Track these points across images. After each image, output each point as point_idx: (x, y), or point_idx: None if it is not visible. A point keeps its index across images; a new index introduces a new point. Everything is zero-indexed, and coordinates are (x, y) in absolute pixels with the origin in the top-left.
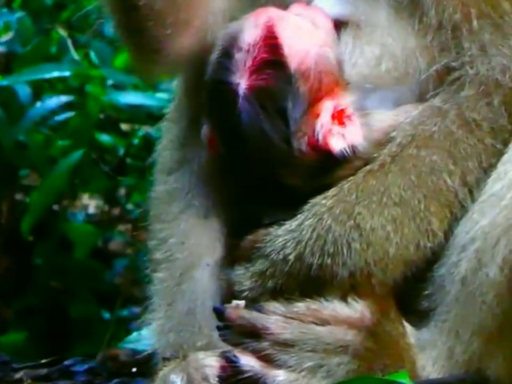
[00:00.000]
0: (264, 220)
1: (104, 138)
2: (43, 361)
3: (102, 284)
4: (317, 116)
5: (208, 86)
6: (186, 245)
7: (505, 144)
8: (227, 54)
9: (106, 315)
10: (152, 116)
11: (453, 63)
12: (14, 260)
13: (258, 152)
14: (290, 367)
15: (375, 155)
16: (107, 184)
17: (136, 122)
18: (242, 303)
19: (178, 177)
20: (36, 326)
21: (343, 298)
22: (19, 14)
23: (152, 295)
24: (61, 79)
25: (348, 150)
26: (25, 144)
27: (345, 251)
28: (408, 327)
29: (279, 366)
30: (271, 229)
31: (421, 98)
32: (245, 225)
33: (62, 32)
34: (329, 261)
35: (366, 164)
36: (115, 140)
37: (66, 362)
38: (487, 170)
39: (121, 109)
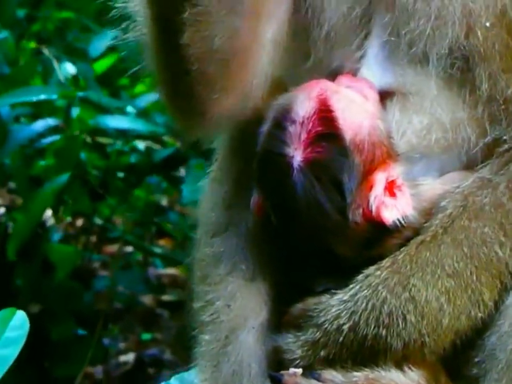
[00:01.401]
0: (314, 288)
1: (89, 158)
2: None
3: (82, 305)
4: (371, 188)
5: (260, 156)
6: (232, 307)
7: None
8: (280, 125)
9: (86, 335)
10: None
11: (504, 136)
12: None
13: (312, 223)
14: None
15: (425, 224)
16: (89, 206)
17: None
18: (299, 371)
19: (224, 240)
20: None
21: (396, 367)
22: (3, 34)
23: (198, 357)
24: (47, 102)
25: (400, 221)
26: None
27: (400, 322)
28: None
29: None
30: (322, 298)
31: (467, 166)
32: (293, 291)
33: (45, 50)
34: (384, 332)
35: (415, 233)
36: (99, 161)
37: None
38: None
39: (108, 133)
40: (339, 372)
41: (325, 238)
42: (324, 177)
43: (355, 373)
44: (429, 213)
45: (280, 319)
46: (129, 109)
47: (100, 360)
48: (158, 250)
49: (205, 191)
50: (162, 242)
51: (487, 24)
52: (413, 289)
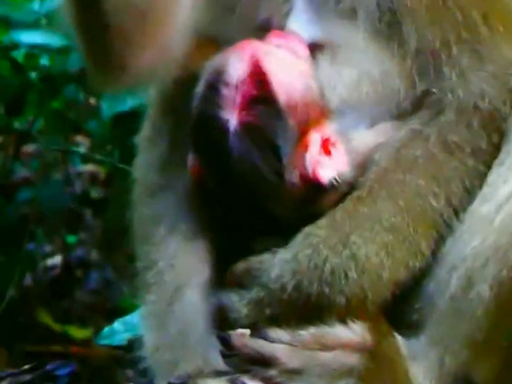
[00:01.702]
0: (255, 247)
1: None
2: (26, 367)
3: (5, 219)
4: (306, 148)
5: (195, 119)
6: (175, 267)
7: (487, 166)
8: (214, 88)
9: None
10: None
11: (433, 88)
12: None
13: (248, 185)
14: None
15: (359, 178)
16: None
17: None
18: (247, 331)
19: (163, 200)
20: None
21: (340, 322)
22: None
23: (144, 316)
24: None
25: (336, 179)
26: None
27: (342, 280)
28: (399, 339)
29: None
30: (264, 257)
31: (397, 117)
32: (234, 249)
33: None
34: (327, 289)
35: (350, 188)
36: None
37: (48, 367)
38: (470, 190)
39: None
40: (285, 330)
41: (261, 199)
42: (259, 140)
43: (301, 332)
44: (362, 166)
45: (223, 277)
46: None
47: (29, 269)
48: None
49: (139, 149)
50: (79, 138)
51: None
52: (353, 246)
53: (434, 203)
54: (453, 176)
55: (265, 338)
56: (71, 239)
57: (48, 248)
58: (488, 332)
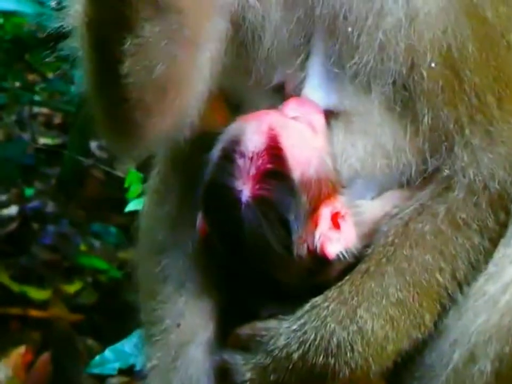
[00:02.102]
0: (260, 312)
1: None
2: None
3: None
4: (316, 224)
5: (207, 186)
6: (181, 325)
7: (493, 243)
8: (229, 157)
9: None
10: None
11: (444, 166)
12: None
13: (257, 255)
14: None
15: (367, 249)
16: None
17: None
18: None
19: (170, 259)
20: None
21: None
22: None
23: (148, 370)
24: None
25: (343, 254)
26: None
27: (348, 352)
28: None
29: None
30: (270, 323)
31: (405, 186)
32: (239, 311)
33: None
34: (332, 360)
35: (357, 259)
36: None
37: None
38: (475, 266)
39: None
40: None
41: (269, 268)
42: (270, 214)
43: None
44: (369, 236)
45: (227, 337)
46: None
47: None
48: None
49: (145, 202)
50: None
51: (432, 64)
52: (360, 320)
53: (440, 278)
54: (459, 252)
55: None
56: (29, 191)
57: (3, 197)
58: None
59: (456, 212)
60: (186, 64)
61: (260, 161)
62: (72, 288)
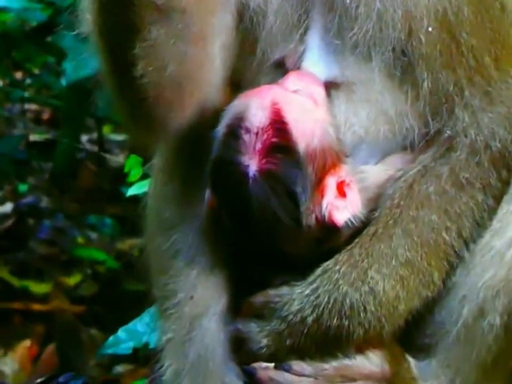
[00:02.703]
0: (272, 280)
1: None
2: (38, 380)
3: None
4: (322, 193)
5: (214, 163)
6: (194, 297)
7: (497, 200)
8: (234, 134)
9: None
10: None
11: (445, 128)
12: None
13: (265, 228)
14: None
15: (373, 212)
16: None
17: None
18: (271, 365)
19: (180, 234)
20: None
21: (358, 351)
22: None
23: (164, 344)
24: None
25: (351, 220)
26: None
27: (361, 313)
28: (411, 361)
29: None
30: (282, 290)
31: (408, 149)
32: (251, 281)
33: None
34: (346, 322)
35: (365, 224)
36: None
37: (60, 379)
38: (480, 223)
39: None
40: (308, 363)
41: (278, 241)
42: (278, 187)
43: (324, 365)
44: (375, 200)
45: (240, 307)
46: None
47: None
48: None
49: (151, 182)
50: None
51: (429, 29)
52: (371, 281)
53: (446, 236)
54: (464, 210)
55: (288, 371)
56: (22, 187)
57: None
58: (497, 356)
59: (459, 171)
60: (197, 59)
61: (265, 135)
62: (71, 280)
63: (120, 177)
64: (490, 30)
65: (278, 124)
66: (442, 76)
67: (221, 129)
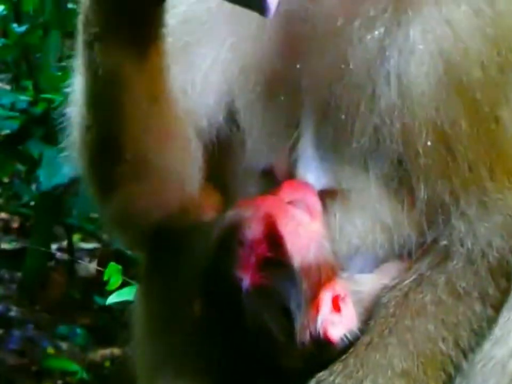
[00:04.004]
0: None
1: None
2: None
3: None
4: (317, 309)
5: (206, 275)
6: None
7: (495, 309)
8: (228, 246)
9: None
10: None
11: (441, 237)
12: None
13: (258, 343)
14: None
15: (368, 322)
16: None
17: None
18: None
19: (168, 341)
20: None
21: None
22: None
23: None
24: None
25: (346, 336)
26: None
27: None
28: None
29: None
30: None
31: (403, 258)
32: None
33: None
34: None
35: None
36: None
37: None
38: (478, 333)
39: None
40: None
41: (270, 354)
42: (271, 303)
43: None
44: (370, 309)
45: None
46: None
47: None
48: None
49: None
50: None
51: (428, 142)
52: None
53: (443, 346)
54: (461, 320)
55: None
56: None
57: None
58: None
59: (456, 281)
60: (181, 162)
61: (259, 249)
62: None
63: (91, 286)
64: (486, 143)
65: (273, 238)
66: (438, 185)
67: (214, 239)
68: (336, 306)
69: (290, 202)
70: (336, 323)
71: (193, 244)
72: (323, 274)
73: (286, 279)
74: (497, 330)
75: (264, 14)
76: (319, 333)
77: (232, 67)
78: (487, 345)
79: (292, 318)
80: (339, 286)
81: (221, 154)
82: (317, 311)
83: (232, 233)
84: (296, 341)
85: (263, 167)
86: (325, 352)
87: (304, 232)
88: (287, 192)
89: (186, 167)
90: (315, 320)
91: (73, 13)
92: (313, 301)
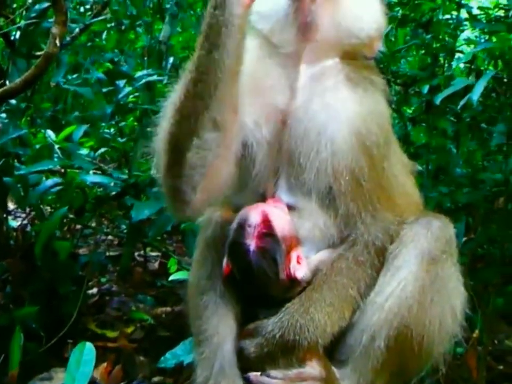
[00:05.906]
0: (260, 315)
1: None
2: None
3: None
4: (289, 261)
5: (230, 243)
6: (218, 331)
7: (377, 273)
8: (242, 227)
9: None
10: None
11: (352, 233)
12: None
13: (259, 279)
14: None
15: (312, 279)
16: None
17: None
18: (258, 373)
19: (209, 295)
20: None
21: (306, 360)
22: None
23: (198, 360)
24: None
25: (303, 277)
26: None
27: (305, 332)
28: (334, 369)
29: None
30: (264, 321)
31: (331, 246)
32: (249, 315)
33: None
34: (297, 337)
35: (308, 283)
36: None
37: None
38: (369, 285)
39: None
40: (279, 371)
41: (266, 287)
42: (267, 257)
43: (288, 372)
44: (314, 272)
45: (242, 333)
46: None
47: None
48: None
49: (193, 266)
50: None
51: (347, 178)
52: (311, 314)
53: (351, 292)
54: (360, 278)
55: (268, 376)
56: None
57: None
58: (382, 364)
59: (358, 256)
60: (220, 161)
61: (259, 228)
62: (129, 330)
63: (155, 274)
64: (377, 181)
65: (267, 222)
66: (351, 205)
67: (233, 225)
68: (298, 261)
69: (275, 206)
70: (299, 269)
71: (225, 231)
72: (292, 242)
73: (274, 244)
74: (377, 286)
75: None
76: (291, 273)
77: (251, 122)
78: (372, 294)
79: (277, 265)
80: (299, 251)
81: (235, 184)
82: (289, 261)
83: (244, 220)
84: (279, 278)
85: (261, 191)
86: (294, 286)
87: (283, 220)
88: (272, 202)
89: (224, 169)
90: (289, 267)
91: None
92: (287, 256)
